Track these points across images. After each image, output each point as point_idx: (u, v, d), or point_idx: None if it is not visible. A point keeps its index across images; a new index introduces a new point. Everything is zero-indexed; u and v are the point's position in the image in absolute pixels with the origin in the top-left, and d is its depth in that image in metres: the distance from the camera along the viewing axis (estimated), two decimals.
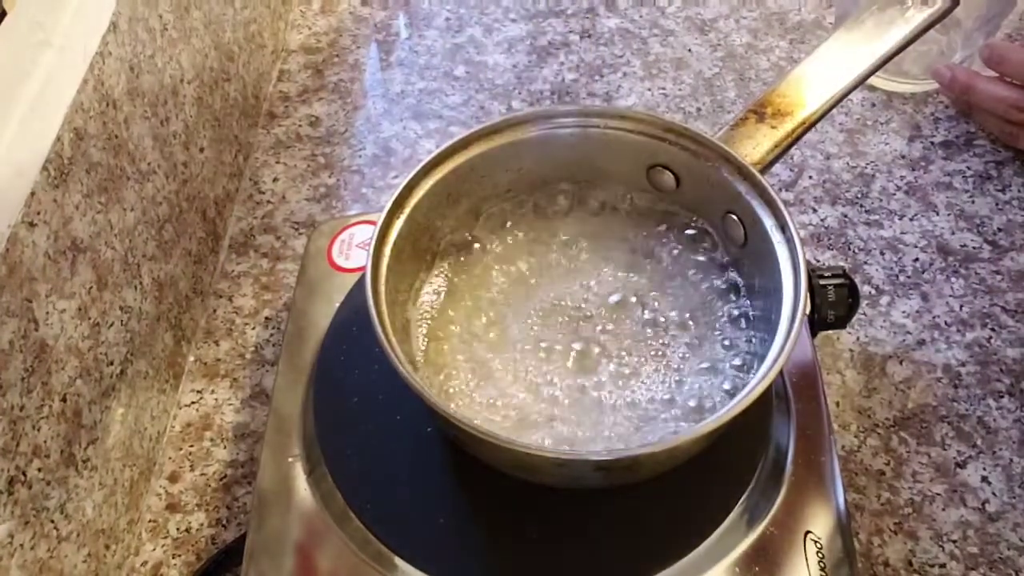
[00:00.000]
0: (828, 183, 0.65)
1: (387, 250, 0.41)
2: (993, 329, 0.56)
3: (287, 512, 0.42)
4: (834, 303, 0.49)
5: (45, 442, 0.40)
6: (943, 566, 0.47)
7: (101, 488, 0.45)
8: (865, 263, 0.60)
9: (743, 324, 0.44)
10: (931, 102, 0.70)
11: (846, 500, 0.42)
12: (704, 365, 0.43)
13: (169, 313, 0.54)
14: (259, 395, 0.55)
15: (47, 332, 0.40)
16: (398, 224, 0.42)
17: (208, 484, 0.51)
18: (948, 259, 0.60)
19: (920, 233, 0.62)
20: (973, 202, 0.63)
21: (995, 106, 0.64)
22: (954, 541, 0.48)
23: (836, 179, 0.65)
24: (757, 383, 0.36)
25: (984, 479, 0.50)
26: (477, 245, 0.47)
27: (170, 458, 0.52)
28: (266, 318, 0.59)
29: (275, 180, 0.67)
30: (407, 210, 0.43)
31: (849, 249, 0.61)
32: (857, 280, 0.54)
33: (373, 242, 0.40)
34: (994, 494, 0.49)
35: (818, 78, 0.47)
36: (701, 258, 0.46)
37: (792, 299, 0.38)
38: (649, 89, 0.73)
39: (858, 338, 0.56)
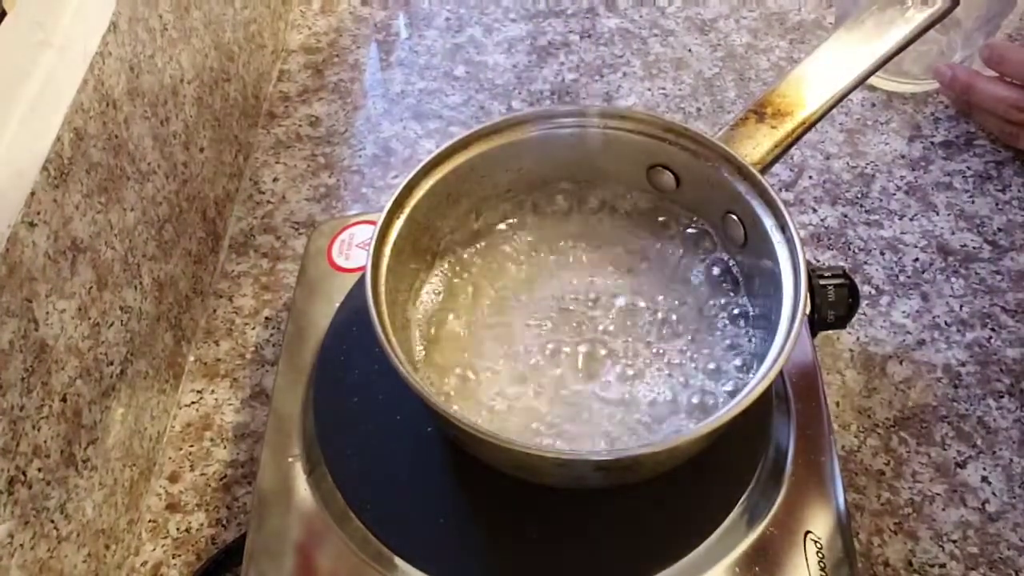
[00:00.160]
0: (828, 183, 0.65)
1: (387, 250, 0.41)
2: (993, 329, 0.56)
3: (287, 512, 0.42)
4: (834, 303, 0.49)
5: (45, 442, 0.40)
6: (943, 566, 0.47)
7: (101, 488, 0.45)
8: (865, 263, 0.60)
9: (743, 324, 0.44)
10: (931, 102, 0.70)
11: (846, 500, 0.42)
12: (704, 365, 0.43)
13: (169, 313, 0.54)
14: (259, 395, 0.55)
15: (47, 332, 0.40)
16: (398, 224, 0.42)
17: (208, 484, 0.51)
18: (948, 259, 0.60)
19: (920, 233, 0.62)
20: (973, 202, 0.63)
21: (995, 106, 0.64)
22: (954, 541, 0.48)
23: (836, 179, 0.65)
24: (757, 383, 0.36)
25: (984, 479, 0.50)
26: (477, 245, 0.47)
27: (170, 458, 0.52)
28: (266, 318, 0.59)
29: (275, 180, 0.67)
30: (407, 210, 0.43)
31: (849, 249, 0.61)
32: (857, 280, 0.54)
33: (373, 242, 0.40)
34: (994, 494, 0.49)
35: (818, 78, 0.47)
36: (701, 258, 0.46)
37: (792, 299, 0.38)
38: (649, 89, 0.73)
39: (858, 338, 0.56)
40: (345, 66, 0.76)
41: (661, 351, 0.43)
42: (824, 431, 0.44)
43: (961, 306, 0.57)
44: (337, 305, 0.49)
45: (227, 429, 0.54)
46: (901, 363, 0.55)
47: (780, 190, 0.65)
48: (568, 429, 0.41)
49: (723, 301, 0.45)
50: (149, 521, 0.50)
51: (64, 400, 0.42)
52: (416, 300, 0.45)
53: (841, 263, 0.60)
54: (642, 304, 0.45)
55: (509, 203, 0.48)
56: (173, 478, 0.52)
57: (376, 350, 0.37)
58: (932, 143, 0.67)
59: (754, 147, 0.45)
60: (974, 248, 0.60)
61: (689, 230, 0.47)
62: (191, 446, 0.53)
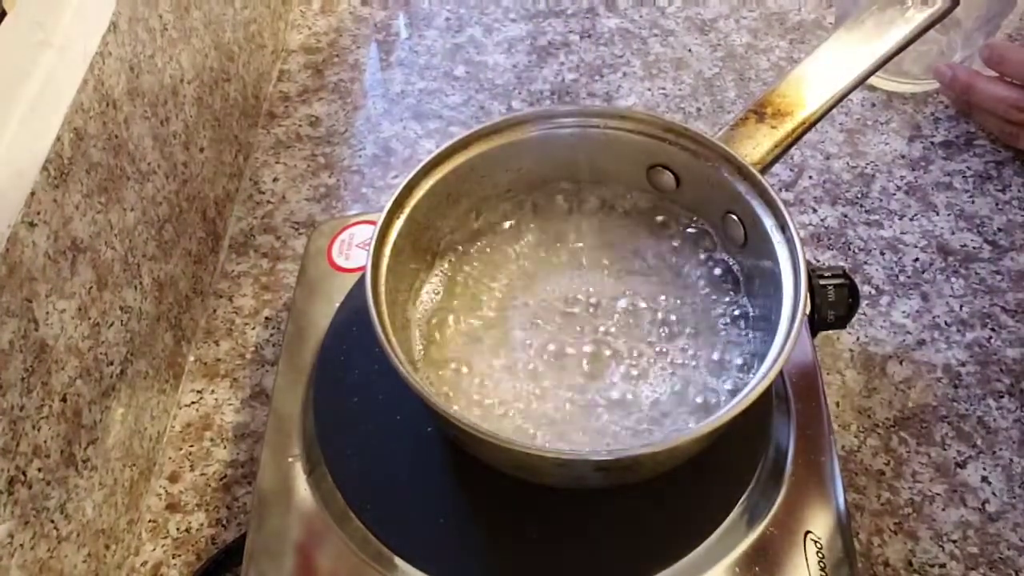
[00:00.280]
0: (828, 183, 0.65)
1: (387, 250, 0.41)
2: (993, 329, 0.56)
3: (287, 512, 0.42)
4: (834, 303, 0.49)
5: (45, 442, 0.40)
6: (943, 566, 0.47)
7: (101, 488, 0.45)
8: (865, 263, 0.60)
9: (743, 324, 0.44)
10: (931, 102, 0.70)
11: (846, 500, 0.42)
12: (704, 365, 0.43)
13: (169, 313, 0.54)
14: (259, 395, 0.55)
15: (47, 332, 0.40)
16: (398, 224, 0.42)
17: (208, 484, 0.51)
18: (948, 259, 0.60)
19: (920, 233, 0.62)
20: (973, 202, 0.63)
21: (995, 106, 0.64)
22: (954, 541, 0.48)
23: (836, 179, 0.65)
24: (757, 383, 0.36)
25: (984, 479, 0.50)
26: (477, 245, 0.47)
27: (170, 458, 0.52)
28: (266, 318, 0.59)
29: (275, 180, 0.67)
30: (407, 210, 0.43)
31: (849, 249, 0.61)
32: (857, 280, 0.54)
33: (373, 242, 0.40)
34: (994, 494, 0.49)
35: (818, 78, 0.47)
36: (701, 258, 0.46)
37: (792, 299, 0.38)
38: (649, 89, 0.73)
39: (858, 338, 0.56)
40: (345, 66, 0.76)
41: (661, 351, 0.43)
42: (824, 431, 0.44)
43: (961, 306, 0.57)
44: (337, 305, 0.49)
45: (227, 429, 0.54)
46: (901, 363, 0.55)
47: (780, 190, 0.65)
48: (568, 429, 0.41)
49: (723, 301, 0.45)
50: (149, 521, 0.50)
51: (64, 400, 0.42)
52: (416, 300, 0.45)
53: (841, 263, 0.60)
54: (642, 304, 0.45)
55: (509, 203, 0.48)
56: (173, 478, 0.52)
57: (376, 350, 0.37)
58: (932, 143, 0.67)
59: (754, 147, 0.45)
60: (974, 248, 0.60)
61: (689, 230, 0.47)
62: (191, 446, 0.53)
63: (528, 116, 0.45)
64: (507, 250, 0.47)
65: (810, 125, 0.46)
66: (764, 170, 0.44)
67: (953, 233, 0.61)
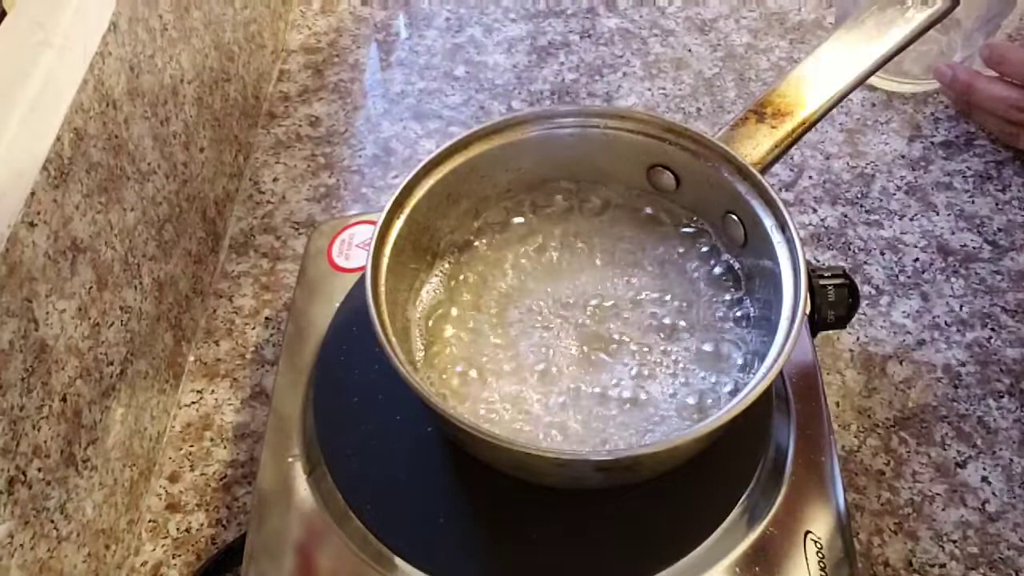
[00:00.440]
0: (828, 183, 0.65)
1: (387, 250, 0.41)
2: (993, 329, 0.56)
3: (287, 512, 0.42)
4: (834, 303, 0.49)
5: (45, 442, 0.40)
6: (943, 566, 0.47)
7: (101, 488, 0.45)
8: (865, 263, 0.60)
9: (744, 324, 0.44)
10: (931, 102, 0.70)
11: (846, 500, 0.42)
12: (705, 365, 0.43)
13: (169, 313, 0.54)
14: (259, 395, 0.55)
15: (47, 332, 0.40)
16: (398, 224, 0.42)
17: (208, 484, 0.51)
18: (948, 259, 0.60)
19: (920, 233, 0.62)
20: (973, 202, 0.63)
21: (995, 106, 0.64)
22: (954, 541, 0.48)
23: (836, 179, 0.65)
24: (757, 383, 0.36)
25: (984, 479, 0.50)
26: (477, 245, 0.47)
27: (170, 458, 0.52)
28: (266, 318, 0.59)
29: (275, 180, 0.67)
30: (407, 210, 0.43)
31: (849, 249, 0.61)
32: (857, 280, 0.54)
33: (373, 242, 0.40)
34: (994, 494, 0.49)
35: (818, 78, 0.47)
36: (701, 258, 0.46)
37: (792, 299, 0.38)
38: (649, 89, 0.73)
39: (858, 338, 0.56)
40: (345, 66, 0.76)
41: (661, 351, 0.43)
42: (824, 431, 0.44)
43: (961, 306, 0.57)
44: (337, 305, 0.49)
45: (227, 429, 0.54)
46: (901, 363, 0.55)
47: (780, 190, 0.65)
48: (568, 429, 0.41)
49: (723, 301, 0.45)
50: (149, 521, 0.50)
51: (64, 400, 0.42)
52: (416, 300, 0.45)
53: (841, 263, 0.60)
54: (642, 305, 0.45)
55: (509, 203, 0.48)
56: (173, 478, 0.52)
57: (376, 350, 0.37)
58: (932, 143, 0.67)
59: (754, 147, 0.45)
60: (974, 248, 0.60)
61: (689, 230, 0.47)
62: (191, 446, 0.53)
63: (528, 116, 0.45)
64: (507, 250, 0.47)
65: (810, 125, 0.46)
66: (764, 170, 0.44)
67: (953, 233, 0.61)
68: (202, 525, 0.50)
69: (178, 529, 0.49)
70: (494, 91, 0.73)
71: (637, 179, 0.47)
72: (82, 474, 0.43)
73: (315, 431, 0.44)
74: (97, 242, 0.45)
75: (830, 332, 0.55)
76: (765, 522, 0.40)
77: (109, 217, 0.46)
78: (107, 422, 0.46)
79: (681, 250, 0.47)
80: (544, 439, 0.41)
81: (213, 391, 0.55)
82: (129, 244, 0.49)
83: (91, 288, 0.44)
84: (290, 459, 0.44)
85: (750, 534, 0.40)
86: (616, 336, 0.44)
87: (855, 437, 0.52)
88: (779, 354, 0.36)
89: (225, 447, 0.53)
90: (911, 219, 0.63)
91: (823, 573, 0.39)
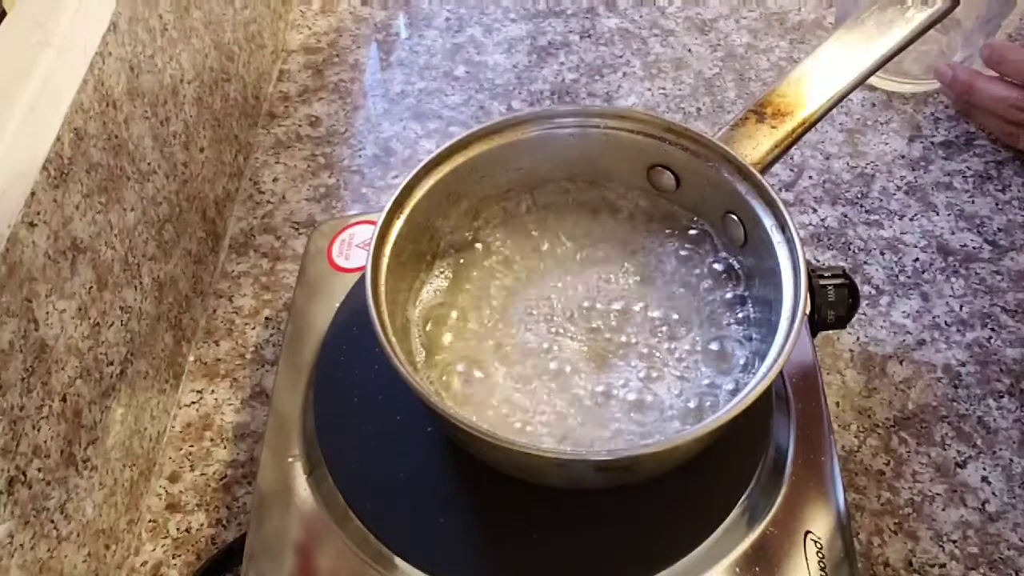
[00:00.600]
0: (828, 183, 0.65)
1: (387, 250, 0.41)
2: (993, 329, 0.56)
3: (287, 512, 0.42)
4: (834, 303, 0.49)
5: (45, 442, 0.40)
6: (943, 566, 0.47)
7: (101, 488, 0.45)
8: (865, 263, 0.60)
9: (744, 324, 0.44)
10: (931, 102, 0.70)
11: (846, 500, 0.42)
12: (705, 365, 0.43)
13: (169, 313, 0.54)
14: (259, 395, 0.55)
15: (47, 332, 0.40)
16: (398, 224, 0.42)
17: (208, 484, 0.51)
18: (948, 259, 0.60)
19: (920, 233, 0.62)
20: (973, 202, 0.63)
21: (995, 106, 0.64)
22: (954, 541, 0.48)
23: (836, 179, 0.65)
24: (757, 383, 0.36)
25: (984, 479, 0.50)
26: (477, 245, 0.47)
27: (170, 458, 0.52)
28: (266, 318, 0.59)
29: (275, 180, 0.67)
30: (407, 210, 0.43)
31: (849, 249, 0.61)
32: (857, 280, 0.54)
33: (373, 242, 0.40)
34: (994, 494, 0.49)
35: (818, 78, 0.47)
36: (701, 258, 0.46)
37: (792, 299, 0.38)
38: (649, 89, 0.73)
39: (858, 338, 0.56)
40: (345, 66, 0.76)
41: (662, 351, 0.43)
42: (824, 431, 0.44)
43: (961, 306, 0.57)
44: (337, 305, 0.49)
45: (227, 429, 0.54)
46: (901, 363, 0.55)
47: (780, 190, 0.65)
48: (568, 429, 0.41)
49: (723, 301, 0.45)
50: (149, 521, 0.50)
51: (64, 400, 0.42)
52: (416, 300, 0.45)
53: (841, 263, 0.60)
54: (642, 304, 0.45)
55: (509, 203, 0.48)
56: (173, 478, 0.52)
57: (376, 350, 0.37)
58: (932, 143, 0.67)
59: (754, 147, 0.45)
60: (974, 248, 0.60)
61: (689, 230, 0.47)
62: (191, 446, 0.53)
63: (528, 116, 0.45)
64: (507, 250, 0.47)
65: (810, 125, 0.46)
66: (764, 170, 0.44)
67: (953, 233, 0.61)
68: (202, 525, 0.50)
69: (178, 529, 0.49)
70: (494, 91, 0.73)
71: (637, 179, 0.47)
72: (82, 474, 0.43)
73: (315, 431, 0.44)
74: (97, 242, 0.45)
75: (830, 332, 0.55)
76: (765, 522, 0.40)
77: (109, 217, 0.46)
78: (107, 422, 0.46)
79: (681, 250, 0.47)
80: (544, 439, 0.41)
81: (213, 391, 0.55)
82: (129, 244, 0.49)
83: (91, 288, 0.44)
84: (290, 459, 0.44)
85: (750, 534, 0.40)
86: (616, 336, 0.44)
87: (855, 437, 0.52)
88: (779, 354, 0.36)
89: (225, 447, 0.53)
90: (911, 219, 0.63)
91: (823, 573, 0.39)
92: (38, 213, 0.40)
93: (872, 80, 0.62)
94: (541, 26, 0.79)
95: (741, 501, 0.41)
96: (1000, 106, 0.63)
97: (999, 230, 0.61)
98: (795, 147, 0.47)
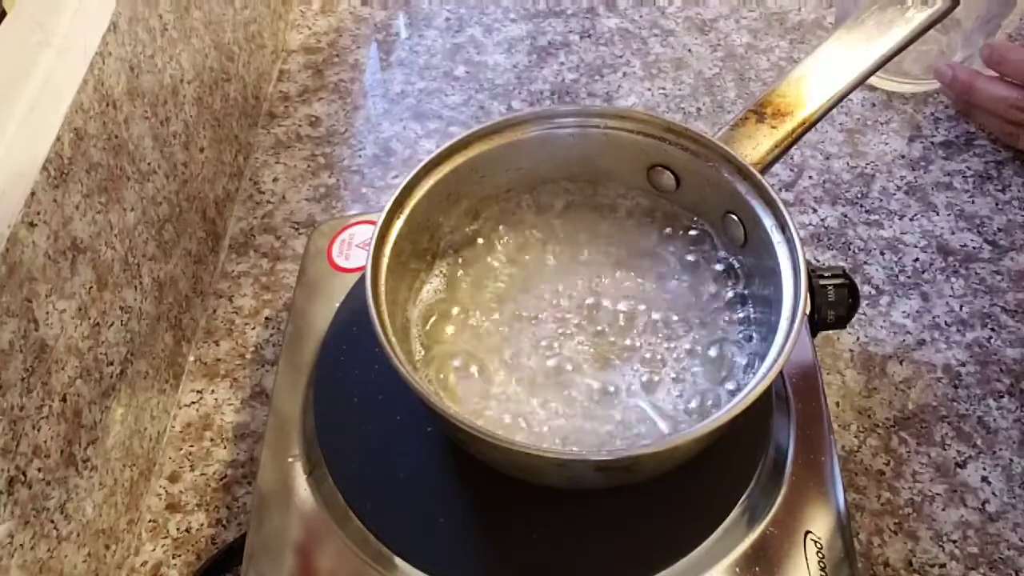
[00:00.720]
0: (828, 183, 0.65)
1: (387, 250, 0.41)
2: (993, 329, 0.56)
3: (287, 512, 0.42)
4: (834, 303, 0.49)
5: (45, 442, 0.40)
6: (943, 566, 0.47)
7: (101, 488, 0.45)
8: (865, 263, 0.60)
9: (744, 324, 0.44)
10: (931, 102, 0.70)
11: (846, 500, 0.42)
12: (705, 365, 0.43)
13: (169, 313, 0.54)
14: (259, 395, 0.55)
15: (47, 332, 0.40)
16: (398, 224, 0.42)
17: (208, 484, 0.51)
18: (948, 259, 0.60)
19: (920, 233, 0.62)
20: (973, 202, 0.63)
21: (995, 106, 0.64)
22: (954, 541, 0.48)
23: (836, 179, 0.65)
24: (757, 383, 0.36)
25: (984, 479, 0.50)
26: (477, 245, 0.47)
27: (170, 458, 0.52)
28: (266, 318, 0.59)
29: (275, 180, 0.67)
30: (407, 210, 0.43)
31: (849, 249, 0.61)
32: (857, 280, 0.54)
33: (373, 242, 0.40)
34: (994, 494, 0.49)
35: (818, 78, 0.47)
36: (701, 258, 0.46)
37: (792, 299, 0.38)
38: (649, 89, 0.73)
39: (858, 338, 0.56)
40: (345, 66, 0.76)
41: (662, 351, 0.43)
42: (824, 431, 0.44)
43: (961, 306, 0.57)
44: (337, 305, 0.49)
45: (227, 429, 0.54)
46: (901, 363, 0.55)
47: (780, 190, 0.65)
48: (568, 429, 0.41)
49: (723, 301, 0.45)
50: (149, 521, 0.50)
51: (64, 400, 0.42)
52: (416, 300, 0.45)
53: (841, 263, 0.60)
54: (642, 305, 0.45)
55: (509, 203, 0.48)
56: (173, 478, 0.52)
57: (376, 350, 0.37)
58: (932, 143, 0.67)
59: (754, 147, 0.45)
60: (974, 248, 0.60)
61: (689, 230, 0.47)
62: (191, 446, 0.53)
63: (528, 116, 0.45)
64: (507, 250, 0.47)
65: (810, 125, 0.46)
66: (764, 170, 0.44)
67: (953, 233, 0.61)
68: (202, 525, 0.50)
69: (178, 529, 0.49)
70: (494, 91, 0.73)
71: (637, 179, 0.47)
72: (82, 474, 0.43)
73: (315, 431, 0.44)
74: (97, 242, 0.45)
75: (830, 332, 0.55)
76: (765, 522, 0.40)
77: (109, 217, 0.46)
78: (107, 422, 0.46)
79: (681, 250, 0.47)
80: (544, 439, 0.41)
81: (213, 391, 0.55)
82: (129, 244, 0.49)
83: (91, 288, 0.44)
84: (290, 459, 0.44)
85: (750, 534, 0.40)
86: (616, 336, 0.44)
87: (855, 437, 0.52)
88: (779, 354, 0.36)
89: (225, 447, 0.53)
90: (911, 219, 0.63)
91: (823, 573, 0.39)
92: (38, 213, 0.40)
93: (872, 80, 0.62)
94: (541, 26, 0.79)
95: (741, 501, 0.41)
96: (1000, 106, 0.63)
97: (999, 230, 0.61)
98: (795, 147, 0.47)
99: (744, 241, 0.44)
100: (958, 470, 0.50)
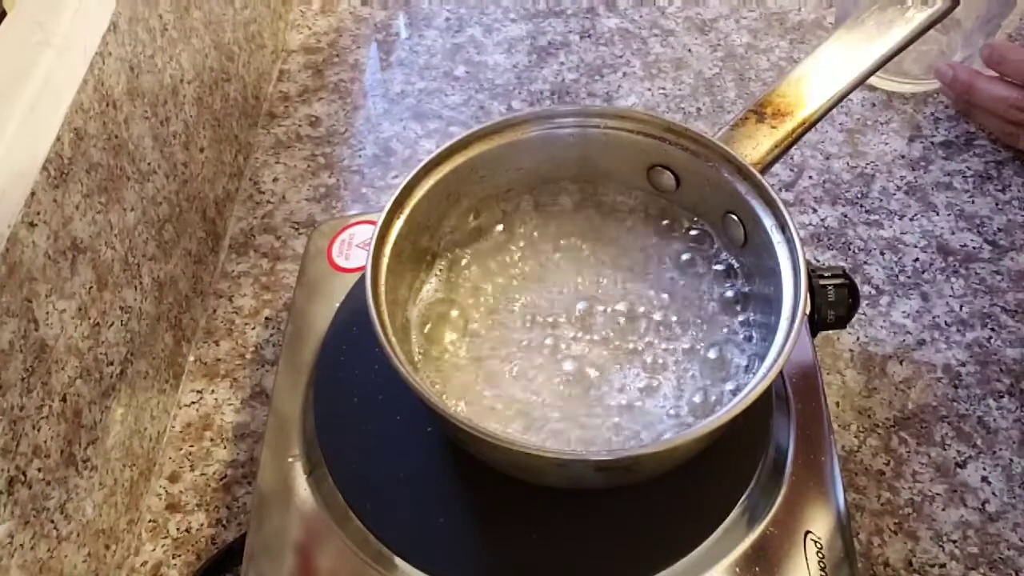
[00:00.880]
0: (828, 183, 0.65)
1: (387, 250, 0.41)
2: (993, 329, 0.56)
3: (287, 512, 0.42)
4: (834, 303, 0.49)
5: (45, 442, 0.40)
6: (943, 566, 0.47)
7: (101, 488, 0.45)
8: (865, 263, 0.60)
9: (744, 324, 0.44)
10: (931, 102, 0.70)
11: (846, 500, 0.42)
12: (705, 365, 0.43)
13: (169, 313, 0.54)
14: (259, 395, 0.55)
15: (47, 332, 0.40)
16: (398, 224, 0.42)
17: (208, 484, 0.51)
18: (948, 259, 0.60)
19: (920, 233, 0.62)
20: (973, 202, 0.63)
21: (995, 105, 0.64)
22: (954, 541, 0.48)
23: (836, 179, 0.65)
24: (757, 383, 0.36)
25: (984, 479, 0.50)
26: (477, 245, 0.47)
27: (170, 458, 0.52)
28: (266, 318, 0.59)
29: (275, 180, 0.67)
30: (407, 210, 0.43)
31: (849, 249, 0.61)
32: (857, 280, 0.54)
33: (373, 242, 0.40)
34: (994, 494, 0.49)
35: (818, 78, 0.47)
36: (701, 258, 0.46)
37: (792, 299, 0.38)
38: (649, 89, 0.73)
39: (858, 338, 0.56)
40: (345, 66, 0.76)
41: (662, 352, 0.43)
42: (824, 431, 0.44)
43: (961, 306, 0.57)
44: (337, 305, 0.49)
45: (227, 429, 0.54)
46: (901, 363, 0.55)
47: (780, 190, 0.65)
48: (568, 429, 0.41)
49: (723, 301, 0.45)
50: (149, 521, 0.50)
51: (64, 400, 0.42)
52: (416, 300, 0.45)
53: (841, 263, 0.60)
54: (642, 305, 0.45)
55: (509, 203, 0.48)
56: (173, 478, 0.52)
57: (376, 350, 0.37)
58: (932, 143, 0.67)
59: (754, 147, 0.45)
60: (974, 248, 0.60)
61: (689, 230, 0.47)
62: (191, 446, 0.53)
63: (528, 116, 0.45)
64: (507, 250, 0.47)
65: (810, 125, 0.46)
66: (764, 170, 0.44)
67: (953, 233, 0.61)
68: (202, 525, 0.50)
69: (178, 529, 0.49)
70: (494, 91, 0.73)
71: (637, 179, 0.47)
72: (82, 474, 0.43)
73: (315, 431, 0.44)
74: (97, 242, 0.45)
75: (830, 332, 0.55)
76: (765, 522, 0.40)
77: (109, 217, 0.46)
78: (107, 422, 0.46)
79: (681, 250, 0.47)
80: (544, 439, 0.41)
81: (213, 391, 0.55)
82: (129, 244, 0.49)
83: (91, 288, 0.44)
84: (290, 459, 0.44)
85: (750, 534, 0.40)
86: (616, 337, 0.44)
87: (855, 437, 0.52)
88: (779, 354, 0.36)
89: (225, 447, 0.53)
90: (911, 219, 0.63)
91: (823, 573, 0.39)
92: (38, 213, 0.40)
93: (872, 80, 0.62)
94: (541, 26, 0.79)
95: (741, 501, 0.41)
96: (1000, 106, 0.63)
97: (999, 230, 0.61)
98: (795, 147, 0.47)
99: (744, 241, 0.44)
100: (958, 470, 0.50)
